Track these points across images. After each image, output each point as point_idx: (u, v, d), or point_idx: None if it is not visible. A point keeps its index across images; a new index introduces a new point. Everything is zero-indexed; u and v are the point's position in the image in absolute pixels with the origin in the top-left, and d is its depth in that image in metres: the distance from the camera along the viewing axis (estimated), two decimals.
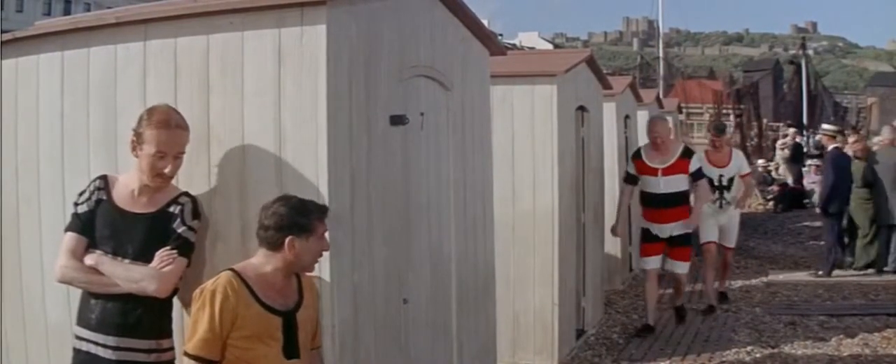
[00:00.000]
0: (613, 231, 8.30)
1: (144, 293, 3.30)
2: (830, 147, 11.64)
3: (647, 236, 8.03)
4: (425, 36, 4.35)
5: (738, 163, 9.11)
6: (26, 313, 3.97)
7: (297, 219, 3.15)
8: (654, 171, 7.83)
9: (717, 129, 9.35)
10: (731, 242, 9.37)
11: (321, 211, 3.22)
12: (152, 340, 3.40)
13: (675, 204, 7.82)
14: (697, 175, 7.95)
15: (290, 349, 3.19)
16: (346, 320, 3.51)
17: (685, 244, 8.02)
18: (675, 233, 7.85)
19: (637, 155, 8.10)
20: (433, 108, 4.44)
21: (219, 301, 3.06)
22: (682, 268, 8.10)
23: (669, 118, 16.23)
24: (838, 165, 11.05)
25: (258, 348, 3.12)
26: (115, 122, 3.66)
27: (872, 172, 10.86)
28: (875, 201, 10.84)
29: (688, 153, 7.98)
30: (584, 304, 7.96)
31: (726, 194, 8.96)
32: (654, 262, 8.02)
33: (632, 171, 8.06)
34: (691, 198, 8.19)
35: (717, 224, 9.03)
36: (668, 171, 7.80)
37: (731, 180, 8.97)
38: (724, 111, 37.45)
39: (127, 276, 3.31)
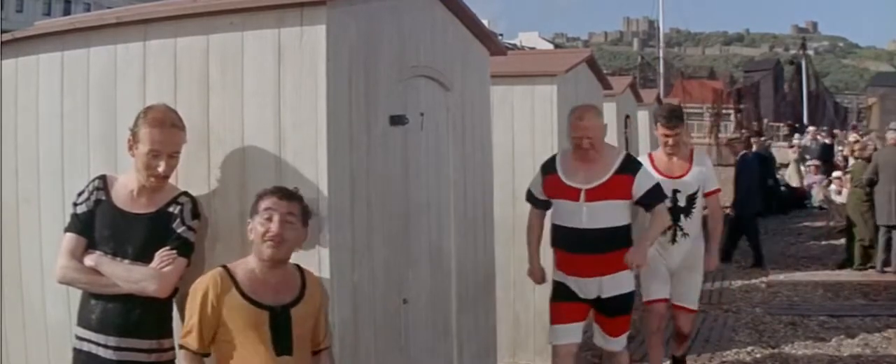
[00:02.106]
0: (532, 275, 5.34)
1: (145, 293, 3.30)
2: (740, 153, 12.99)
3: (561, 292, 5.06)
4: (425, 36, 4.35)
5: (703, 172, 5.85)
6: (26, 313, 3.97)
7: (253, 203, 3.26)
8: (573, 194, 4.89)
9: (671, 116, 5.81)
10: (691, 301, 5.97)
11: (271, 191, 3.24)
12: (153, 340, 3.40)
13: (607, 247, 4.85)
14: (652, 199, 4.98)
15: (281, 345, 3.18)
16: (345, 320, 3.51)
17: (622, 310, 5.05)
18: (608, 293, 4.94)
19: (550, 167, 5.09)
20: (433, 109, 4.44)
21: (200, 294, 3.16)
22: (617, 344, 5.16)
23: None
24: (750, 169, 12.15)
25: (245, 342, 3.16)
26: (114, 122, 3.66)
27: (875, 172, 10.85)
28: (876, 201, 10.82)
29: (631, 165, 4.97)
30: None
31: (684, 221, 5.74)
32: (569, 334, 5.02)
33: (537, 192, 5.14)
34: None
35: (667, 270, 5.82)
36: (595, 194, 4.85)
37: (691, 199, 5.75)
38: (725, 111, 37.54)
39: (127, 276, 3.31)
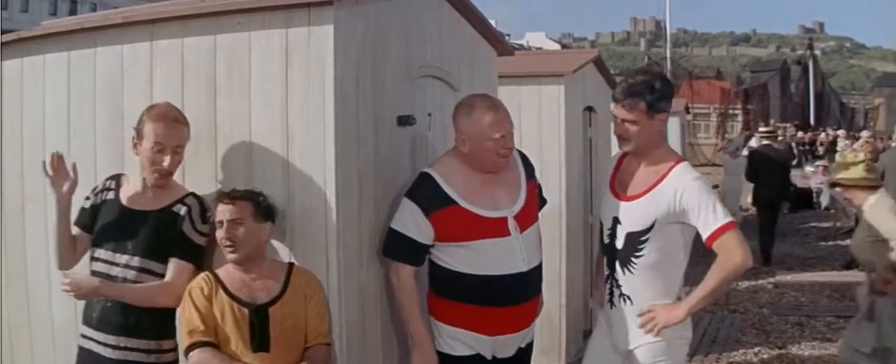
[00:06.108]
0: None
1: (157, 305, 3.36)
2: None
3: None
4: (433, 36, 4.34)
5: (673, 199, 3.38)
6: (32, 313, 3.97)
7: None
8: (498, 227, 3.47)
9: (627, 91, 3.50)
10: None
11: (217, 198, 3.32)
12: (152, 341, 3.39)
13: (540, 287, 3.73)
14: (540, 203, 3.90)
15: (259, 342, 3.23)
16: (352, 321, 3.50)
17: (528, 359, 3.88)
18: (526, 340, 3.78)
19: (439, 197, 3.48)
20: (440, 109, 4.42)
21: (195, 294, 3.24)
22: None
23: (676, 119, 16.07)
24: None
25: (226, 337, 3.22)
26: (121, 122, 3.65)
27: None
28: None
29: (531, 164, 3.80)
30: (592, 304, 7.92)
31: (621, 273, 3.52)
32: None
33: (421, 238, 3.49)
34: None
35: (612, 350, 3.72)
36: (524, 219, 3.56)
37: (635, 240, 3.45)
38: (732, 111, 37.53)
39: (140, 297, 3.35)
